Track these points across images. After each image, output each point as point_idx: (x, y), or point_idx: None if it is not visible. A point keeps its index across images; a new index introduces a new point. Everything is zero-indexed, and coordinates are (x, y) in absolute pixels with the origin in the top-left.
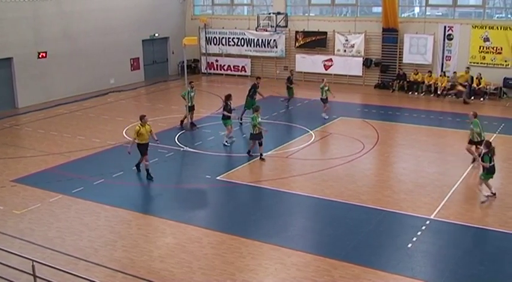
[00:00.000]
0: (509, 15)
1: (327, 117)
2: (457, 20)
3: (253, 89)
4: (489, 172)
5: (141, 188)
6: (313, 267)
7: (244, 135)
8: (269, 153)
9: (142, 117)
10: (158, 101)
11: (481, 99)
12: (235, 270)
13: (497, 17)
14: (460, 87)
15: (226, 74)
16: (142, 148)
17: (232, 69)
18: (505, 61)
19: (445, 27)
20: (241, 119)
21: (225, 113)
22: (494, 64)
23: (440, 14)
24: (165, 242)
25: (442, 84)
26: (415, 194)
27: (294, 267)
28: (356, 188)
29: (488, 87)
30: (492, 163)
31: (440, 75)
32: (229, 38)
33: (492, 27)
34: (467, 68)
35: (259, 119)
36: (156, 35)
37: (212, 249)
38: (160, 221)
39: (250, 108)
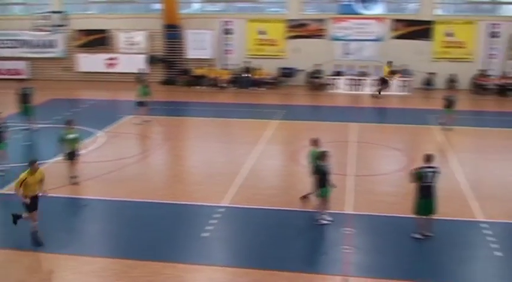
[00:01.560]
0: (280, 9)
1: (144, 122)
2: (235, 14)
3: (26, 93)
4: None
5: None
6: (111, 271)
7: (29, 143)
8: (54, 159)
9: (31, 163)
10: None
11: (261, 88)
12: None
13: (271, 11)
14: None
15: None
16: (30, 203)
17: (6, 73)
18: (281, 52)
19: (223, 22)
20: (27, 126)
21: None
22: (270, 55)
23: (218, 9)
24: None
25: (223, 77)
26: (207, 184)
27: (91, 274)
28: (150, 185)
29: (267, 77)
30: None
31: (222, 68)
32: (1, 39)
33: (267, 21)
34: (390, 61)
35: (75, 135)
36: None
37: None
38: None
39: (28, 114)
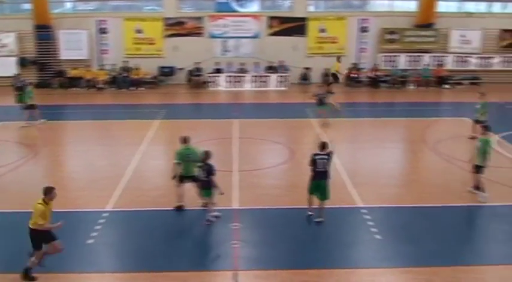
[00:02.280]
0: (157, 7)
1: (23, 127)
2: (110, 13)
3: None
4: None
5: None
6: None
7: None
8: None
9: (49, 191)
10: None
11: (141, 88)
12: None
13: (147, 9)
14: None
15: None
16: (45, 236)
17: None
18: (159, 51)
19: (98, 21)
20: None
21: None
22: (149, 54)
23: (92, 8)
24: None
25: (101, 78)
26: (90, 189)
27: None
28: (28, 194)
29: (146, 76)
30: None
31: (99, 69)
32: None
33: (143, 20)
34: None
35: None
36: None
37: None
38: None
39: None
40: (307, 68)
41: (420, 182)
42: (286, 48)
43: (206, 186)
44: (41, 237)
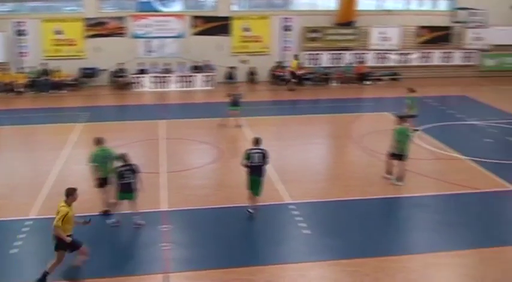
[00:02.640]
0: (77, 7)
1: None
2: (28, 14)
3: None
4: (121, 191)
5: None
6: None
7: None
8: None
9: (72, 192)
10: None
11: (62, 91)
12: None
13: (67, 10)
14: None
15: None
16: (66, 244)
17: None
18: (80, 52)
19: (15, 23)
20: None
21: None
22: (69, 56)
23: (9, 9)
24: None
25: (19, 81)
26: (11, 197)
27: None
28: None
29: (67, 78)
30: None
31: (18, 72)
32: None
33: (63, 20)
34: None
35: None
36: None
37: None
38: None
39: None
40: (232, 67)
41: (345, 176)
42: (210, 48)
43: (129, 189)
44: (64, 246)
